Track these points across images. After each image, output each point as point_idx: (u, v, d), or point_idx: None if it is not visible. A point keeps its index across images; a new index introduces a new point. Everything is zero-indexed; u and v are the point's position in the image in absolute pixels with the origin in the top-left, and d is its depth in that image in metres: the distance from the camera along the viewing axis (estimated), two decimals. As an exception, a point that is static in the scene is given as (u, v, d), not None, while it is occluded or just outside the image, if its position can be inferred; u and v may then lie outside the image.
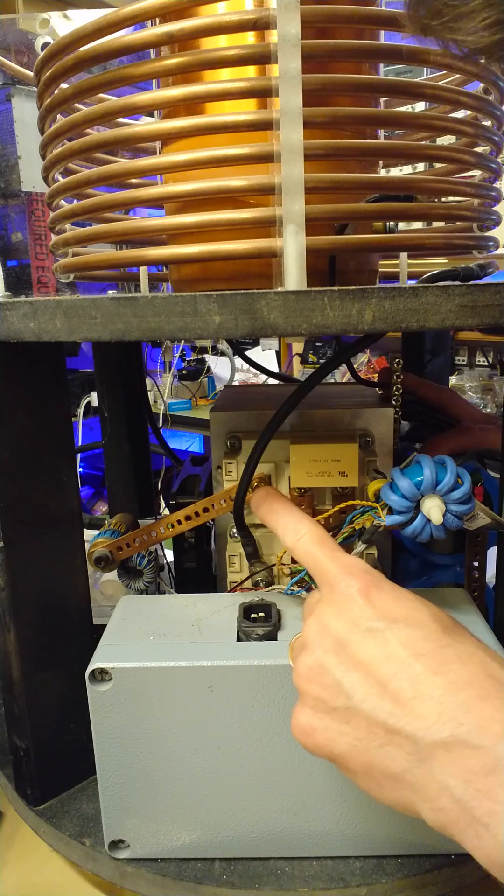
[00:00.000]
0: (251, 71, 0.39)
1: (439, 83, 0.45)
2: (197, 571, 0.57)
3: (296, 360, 2.19)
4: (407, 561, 0.56)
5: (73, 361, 1.91)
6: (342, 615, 0.33)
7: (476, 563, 0.53)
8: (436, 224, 0.56)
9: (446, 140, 0.55)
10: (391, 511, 0.40)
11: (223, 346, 2.25)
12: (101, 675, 0.40)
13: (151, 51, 0.40)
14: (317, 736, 0.32)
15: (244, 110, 0.38)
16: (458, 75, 0.48)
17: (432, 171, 0.54)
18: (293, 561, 0.49)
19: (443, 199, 0.51)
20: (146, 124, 0.40)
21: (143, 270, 0.49)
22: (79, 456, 1.64)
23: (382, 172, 0.52)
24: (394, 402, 0.51)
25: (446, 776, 0.27)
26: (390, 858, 0.43)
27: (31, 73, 0.45)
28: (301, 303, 0.32)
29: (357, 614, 0.32)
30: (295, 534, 0.38)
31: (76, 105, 0.45)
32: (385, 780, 0.30)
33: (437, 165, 0.53)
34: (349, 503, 0.45)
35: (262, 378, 0.90)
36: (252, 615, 0.43)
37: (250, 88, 0.37)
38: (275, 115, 0.35)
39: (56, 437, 0.47)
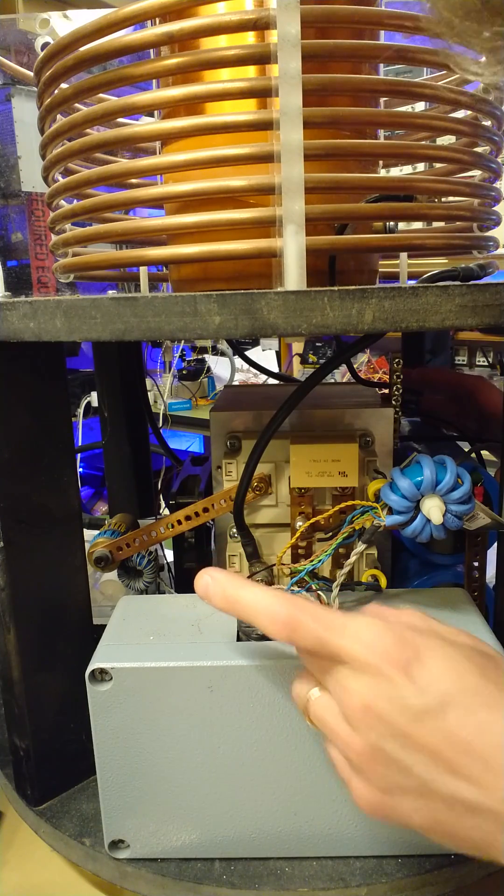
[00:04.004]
0: (251, 71, 0.39)
1: (439, 83, 0.45)
2: (197, 571, 0.57)
3: (296, 360, 2.19)
4: (407, 561, 0.56)
5: (73, 361, 1.91)
6: (387, 697, 0.31)
7: (476, 563, 0.53)
8: (436, 224, 0.56)
9: (446, 140, 0.55)
10: (391, 511, 0.40)
11: (223, 346, 2.25)
12: (101, 675, 0.40)
13: (151, 51, 0.40)
14: (389, 812, 0.32)
15: (244, 110, 0.38)
16: (457, 75, 0.48)
17: (432, 171, 0.54)
18: (294, 560, 0.49)
19: (442, 199, 0.51)
20: (146, 124, 0.40)
21: (143, 270, 0.49)
22: (79, 456, 1.64)
23: (382, 172, 0.52)
24: (394, 402, 0.51)
25: None
26: (390, 858, 0.43)
27: (31, 73, 0.45)
28: (301, 303, 0.32)
29: (405, 697, 0.31)
30: (277, 621, 0.33)
31: (76, 105, 0.45)
32: (466, 844, 0.30)
33: (437, 165, 0.53)
34: (349, 503, 0.45)
35: (262, 378, 0.90)
36: (252, 615, 0.44)
37: (250, 88, 0.37)
38: (275, 115, 0.35)
39: (56, 437, 0.47)
